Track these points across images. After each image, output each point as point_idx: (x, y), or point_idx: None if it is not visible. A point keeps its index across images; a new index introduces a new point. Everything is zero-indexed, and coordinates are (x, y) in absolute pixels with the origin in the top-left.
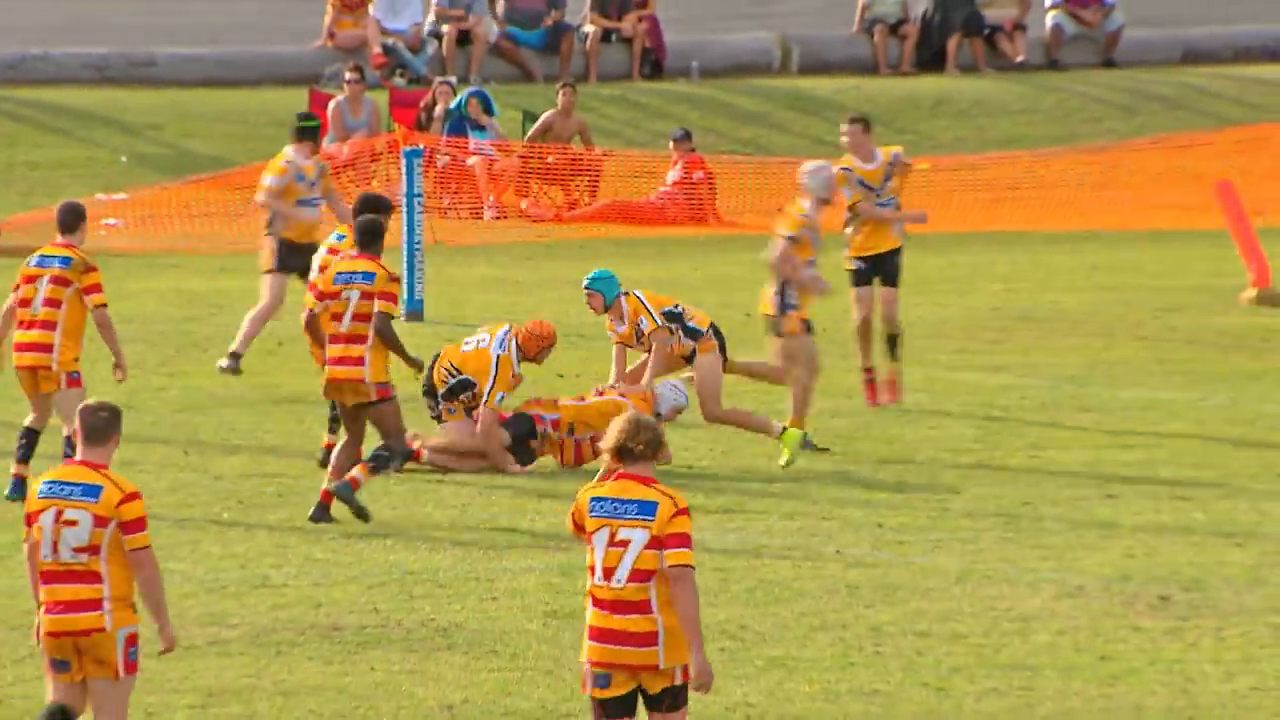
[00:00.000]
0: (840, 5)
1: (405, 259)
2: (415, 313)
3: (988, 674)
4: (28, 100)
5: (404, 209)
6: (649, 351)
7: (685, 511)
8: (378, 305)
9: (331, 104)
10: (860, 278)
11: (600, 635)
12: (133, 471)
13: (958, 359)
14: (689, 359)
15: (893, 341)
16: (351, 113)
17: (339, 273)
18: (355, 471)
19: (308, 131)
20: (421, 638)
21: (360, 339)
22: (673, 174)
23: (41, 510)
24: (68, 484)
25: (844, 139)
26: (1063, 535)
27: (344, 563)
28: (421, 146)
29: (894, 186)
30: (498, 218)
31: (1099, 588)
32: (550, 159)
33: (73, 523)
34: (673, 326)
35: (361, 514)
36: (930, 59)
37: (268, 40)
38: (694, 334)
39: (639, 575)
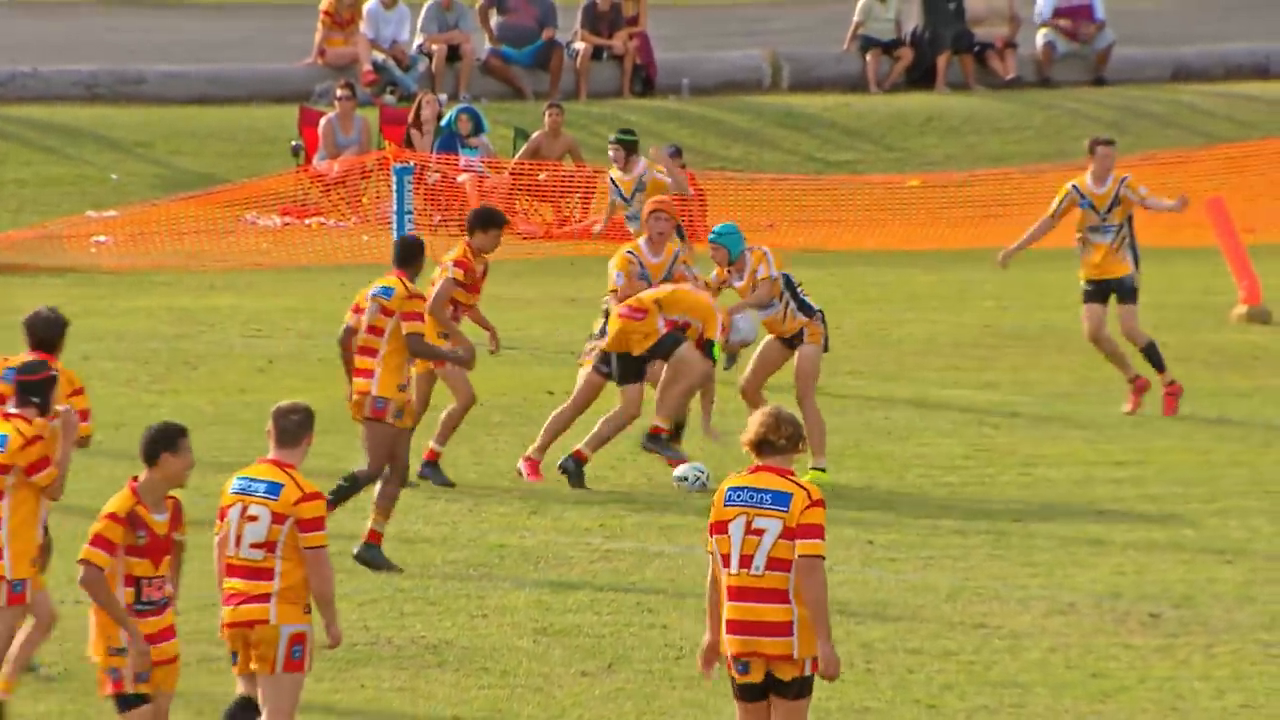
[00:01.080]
0: (831, 23)
1: None
2: None
3: (978, 691)
4: (16, 118)
5: (394, 225)
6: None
7: (819, 503)
8: (405, 327)
9: (322, 121)
10: (1090, 297)
11: (737, 627)
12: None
13: (948, 376)
14: (793, 342)
15: (1146, 353)
16: (342, 130)
17: (371, 288)
18: (371, 523)
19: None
20: (412, 655)
21: (371, 352)
22: None
23: (230, 505)
24: (255, 481)
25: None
26: (1053, 552)
27: (335, 580)
28: (412, 164)
29: (1119, 213)
30: None
31: (1089, 605)
32: (541, 176)
33: (254, 518)
34: (784, 292)
35: (381, 568)
36: (920, 76)
37: (258, 58)
38: (806, 309)
39: (776, 564)
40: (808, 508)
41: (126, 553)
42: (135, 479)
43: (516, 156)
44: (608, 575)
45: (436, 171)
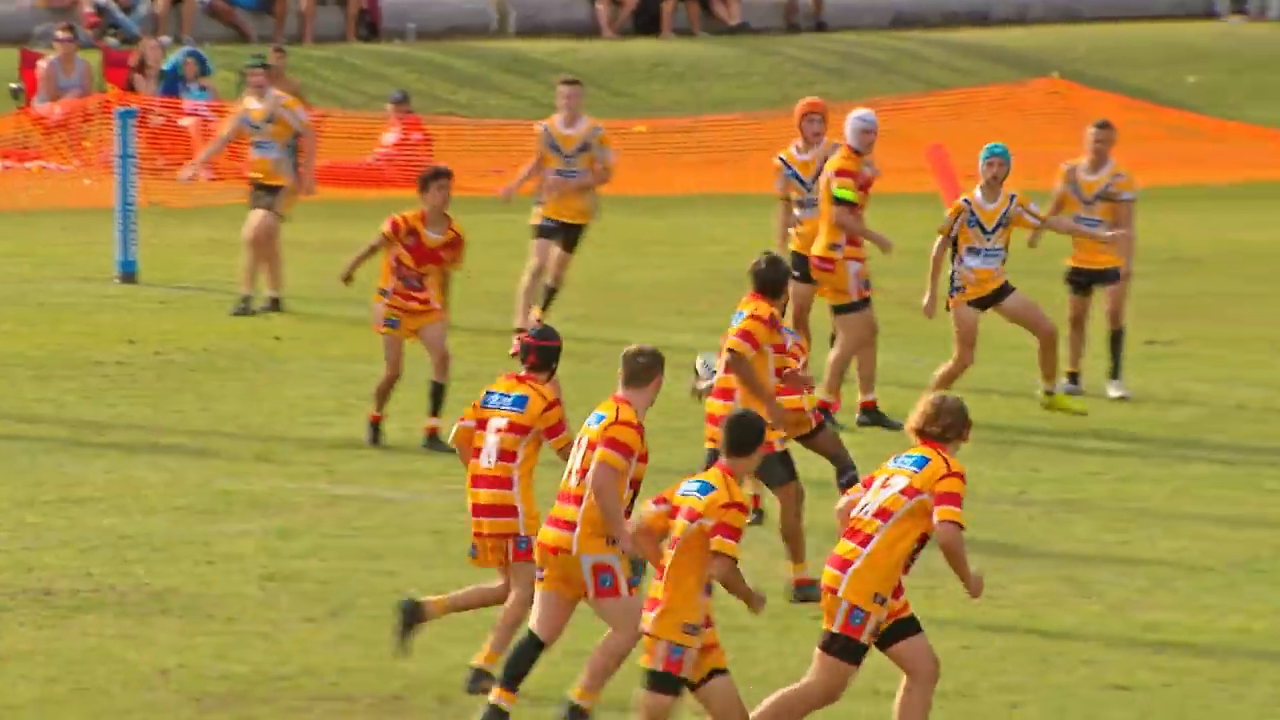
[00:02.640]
0: None
1: (119, 221)
2: (129, 275)
3: None
4: None
5: (117, 170)
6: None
7: (957, 475)
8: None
9: (42, 63)
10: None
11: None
12: None
13: (675, 321)
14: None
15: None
16: (63, 72)
17: None
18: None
19: None
20: (136, 602)
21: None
22: (390, 136)
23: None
24: (593, 413)
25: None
26: None
27: (57, 527)
28: (135, 107)
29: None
30: (213, 179)
31: None
32: None
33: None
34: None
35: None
36: (646, 23)
37: None
38: None
39: (883, 513)
40: (944, 477)
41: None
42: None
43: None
44: (334, 521)
45: (160, 115)
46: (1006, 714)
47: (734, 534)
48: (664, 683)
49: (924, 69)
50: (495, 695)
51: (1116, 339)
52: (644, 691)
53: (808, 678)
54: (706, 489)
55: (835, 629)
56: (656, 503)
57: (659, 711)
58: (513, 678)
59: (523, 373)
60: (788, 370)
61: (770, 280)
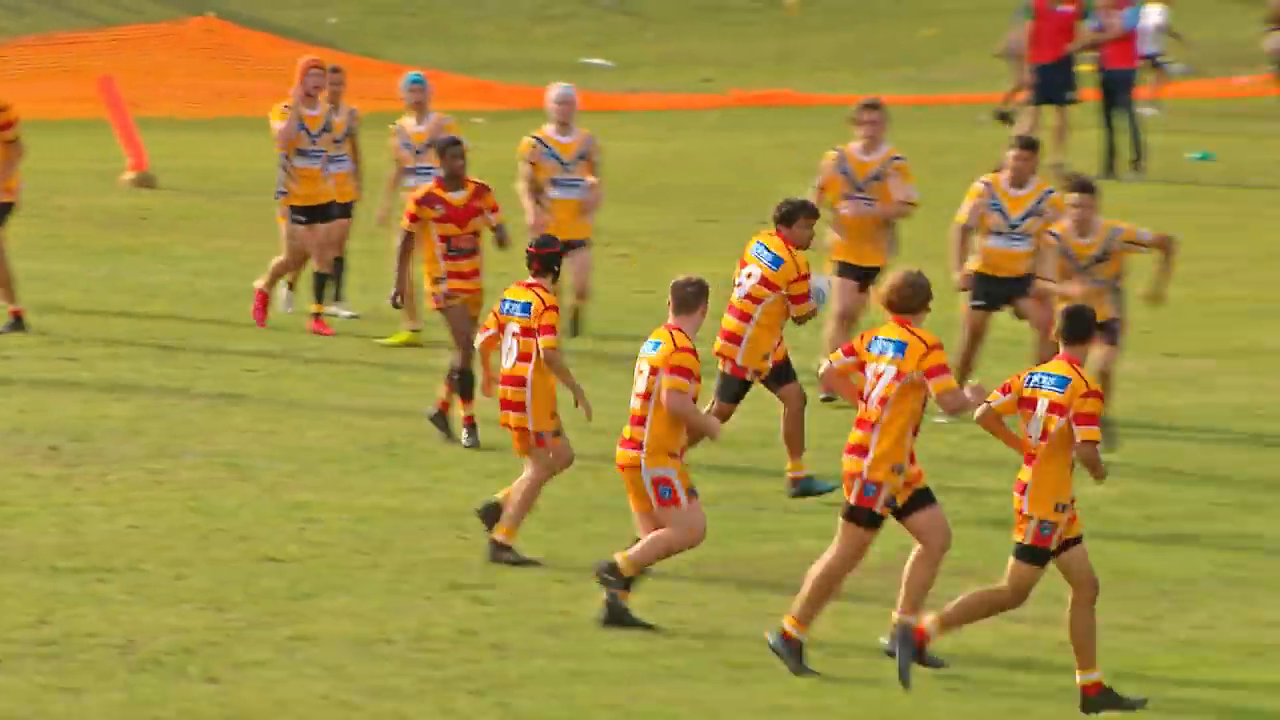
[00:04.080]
0: None
1: None
2: None
3: None
4: None
5: None
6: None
7: (937, 348)
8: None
9: None
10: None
11: (855, 450)
12: None
13: None
14: None
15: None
16: None
17: None
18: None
19: None
20: None
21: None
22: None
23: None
24: (649, 341)
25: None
26: None
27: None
28: None
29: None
30: None
31: None
32: None
33: (641, 372)
34: None
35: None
36: None
37: None
38: None
39: (883, 402)
40: (926, 354)
41: None
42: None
43: None
44: None
45: None
46: (173, 585)
47: (1093, 420)
48: (1033, 556)
49: (95, 6)
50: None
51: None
52: (1013, 561)
53: (829, 551)
54: (1063, 382)
55: (854, 500)
56: (1003, 391)
57: (1026, 582)
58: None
59: (530, 280)
60: None
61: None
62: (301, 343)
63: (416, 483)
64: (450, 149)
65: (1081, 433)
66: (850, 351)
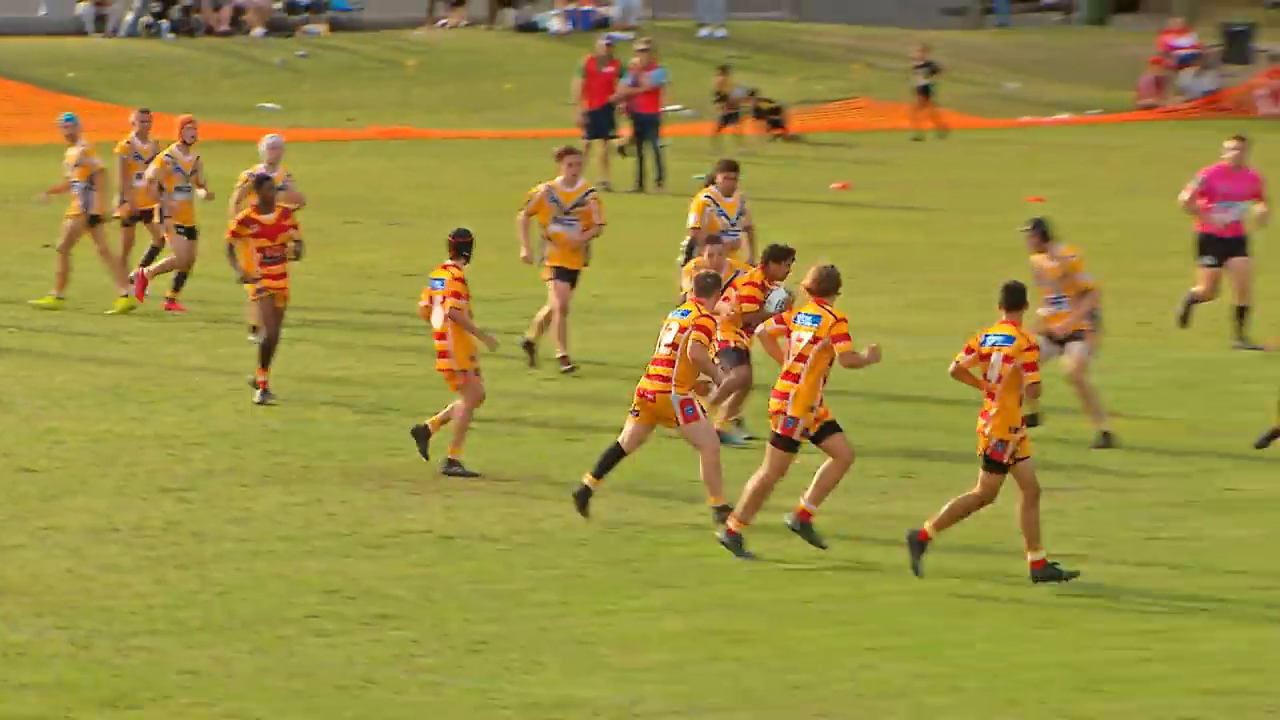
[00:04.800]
0: None
1: None
2: None
3: None
4: None
5: None
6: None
7: (843, 320)
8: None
9: None
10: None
11: (780, 395)
12: None
13: None
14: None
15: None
16: None
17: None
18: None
19: None
20: None
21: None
22: None
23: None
24: (678, 312)
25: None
26: None
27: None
28: None
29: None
30: None
31: None
32: None
33: (669, 328)
34: None
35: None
36: None
37: None
38: None
39: (802, 359)
40: (833, 324)
41: None
42: None
43: None
44: None
45: None
46: None
47: (1034, 366)
48: (994, 466)
49: None
50: (587, 479)
51: None
52: (981, 472)
53: (762, 469)
54: (1010, 339)
55: (779, 430)
56: (966, 351)
57: (991, 487)
58: (602, 470)
59: (446, 262)
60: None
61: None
62: (51, 314)
63: (136, 414)
64: (264, 183)
65: (1027, 376)
66: (780, 321)
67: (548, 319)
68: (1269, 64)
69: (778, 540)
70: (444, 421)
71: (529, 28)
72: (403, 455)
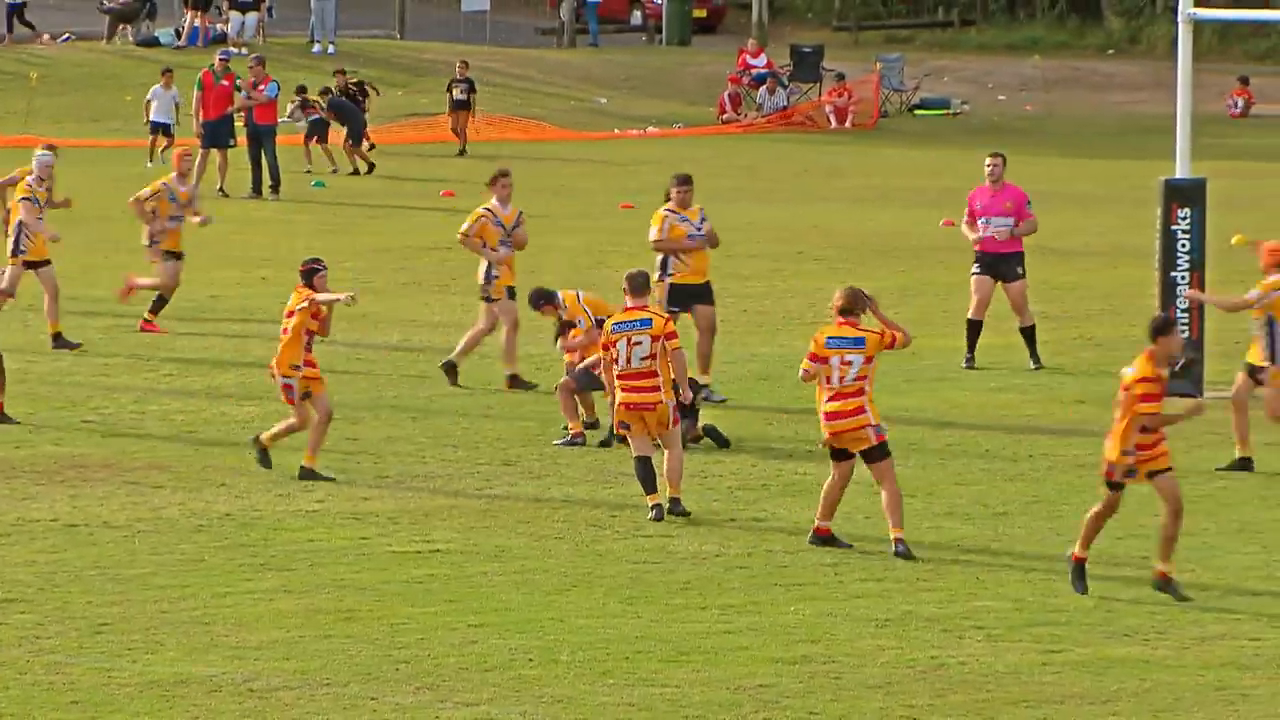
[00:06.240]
0: None
1: None
2: None
3: None
4: None
5: None
6: None
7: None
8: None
9: None
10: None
11: (832, 416)
12: None
13: None
14: None
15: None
16: None
17: None
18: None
19: None
20: None
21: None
22: None
23: (617, 340)
24: (633, 322)
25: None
26: None
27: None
28: None
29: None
30: None
31: None
32: None
33: (639, 343)
34: None
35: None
36: None
37: None
38: None
39: (860, 378)
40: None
41: None
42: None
43: None
44: None
45: None
46: None
47: (1154, 398)
48: (1109, 485)
49: None
50: (648, 499)
51: None
52: (1107, 491)
53: (833, 476)
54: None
55: (876, 443)
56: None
57: (1108, 509)
58: (649, 488)
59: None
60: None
61: None
62: None
63: None
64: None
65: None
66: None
67: (474, 341)
68: (835, 82)
69: (385, 525)
70: (284, 434)
71: (150, 43)
72: (28, 448)
